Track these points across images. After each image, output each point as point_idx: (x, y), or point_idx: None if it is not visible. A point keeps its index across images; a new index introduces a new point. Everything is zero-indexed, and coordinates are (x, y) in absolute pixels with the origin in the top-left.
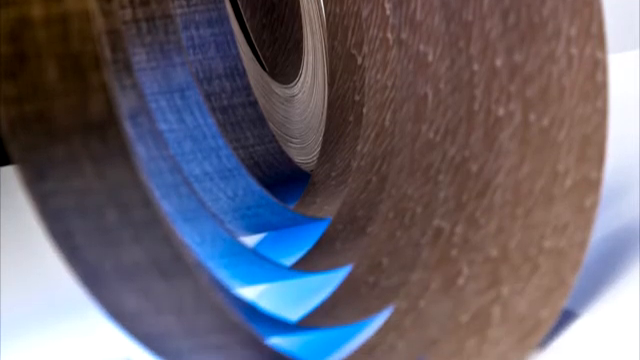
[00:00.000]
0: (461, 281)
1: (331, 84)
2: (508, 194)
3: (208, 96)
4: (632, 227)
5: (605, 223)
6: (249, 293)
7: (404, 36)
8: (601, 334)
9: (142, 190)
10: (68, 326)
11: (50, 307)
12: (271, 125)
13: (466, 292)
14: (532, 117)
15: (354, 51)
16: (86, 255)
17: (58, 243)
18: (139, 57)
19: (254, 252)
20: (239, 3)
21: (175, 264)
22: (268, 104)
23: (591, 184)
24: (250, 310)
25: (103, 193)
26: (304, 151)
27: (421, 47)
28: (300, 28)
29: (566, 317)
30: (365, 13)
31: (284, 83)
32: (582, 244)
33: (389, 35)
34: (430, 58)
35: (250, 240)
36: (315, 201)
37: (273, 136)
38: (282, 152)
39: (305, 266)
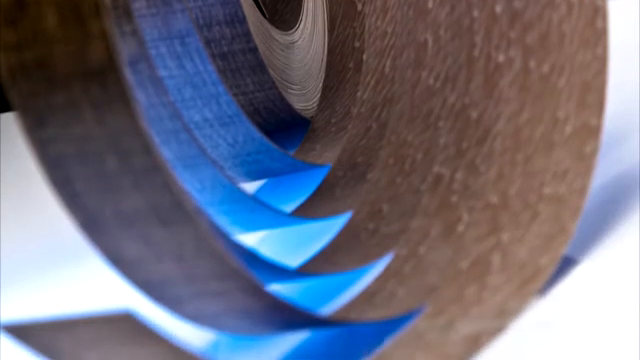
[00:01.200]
0: (461, 228)
1: (331, 31)
2: (508, 141)
3: (208, 43)
4: (632, 173)
5: (605, 170)
6: (249, 240)
7: None
8: (601, 281)
9: (142, 137)
10: (68, 273)
11: (50, 254)
12: (271, 71)
13: (466, 239)
14: (532, 64)
15: None
16: (86, 202)
17: (58, 190)
18: (139, 3)
19: (254, 198)
20: None
21: (175, 211)
22: (268, 51)
23: (591, 130)
24: (250, 257)
25: (103, 140)
26: (304, 97)
27: None
28: None
29: (566, 264)
30: None
31: (284, 30)
32: (582, 191)
33: None
34: (430, 4)
35: (250, 187)
36: (315, 147)
37: (273, 83)
38: (282, 99)
39: (305, 212)
